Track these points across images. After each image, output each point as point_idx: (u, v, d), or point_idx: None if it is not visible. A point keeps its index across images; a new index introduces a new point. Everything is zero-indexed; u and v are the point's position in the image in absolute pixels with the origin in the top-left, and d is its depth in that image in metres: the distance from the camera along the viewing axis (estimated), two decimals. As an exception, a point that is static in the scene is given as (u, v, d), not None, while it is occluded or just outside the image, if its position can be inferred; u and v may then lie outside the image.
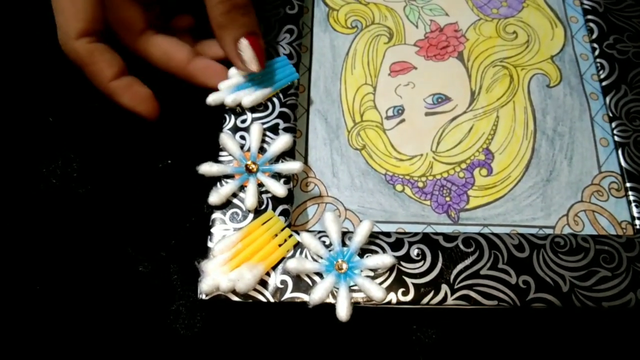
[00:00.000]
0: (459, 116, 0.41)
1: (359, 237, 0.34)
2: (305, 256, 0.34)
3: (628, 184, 0.37)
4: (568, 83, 0.42)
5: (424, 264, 0.34)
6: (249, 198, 0.35)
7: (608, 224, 0.37)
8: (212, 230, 0.35)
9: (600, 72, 0.41)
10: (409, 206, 0.38)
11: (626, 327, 0.35)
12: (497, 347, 0.35)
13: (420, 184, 0.39)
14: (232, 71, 0.39)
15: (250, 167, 0.36)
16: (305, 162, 0.39)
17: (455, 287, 0.34)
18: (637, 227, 0.36)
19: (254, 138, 0.37)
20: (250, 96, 0.38)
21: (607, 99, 0.40)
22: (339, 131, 0.41)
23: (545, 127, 0.41)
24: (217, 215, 0.35)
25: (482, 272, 0.34)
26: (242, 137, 0.38)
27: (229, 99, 0.38)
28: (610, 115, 0.40)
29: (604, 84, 0.41)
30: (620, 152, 0.38)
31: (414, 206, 0.38)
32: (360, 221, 0.37)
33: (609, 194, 0.38)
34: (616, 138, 0.39)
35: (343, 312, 0.32)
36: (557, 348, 0.35)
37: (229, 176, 0.36)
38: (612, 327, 0.35)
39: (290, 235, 0.35)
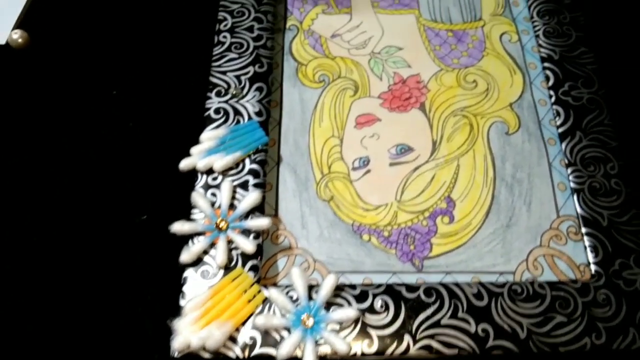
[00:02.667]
0: (422, 165, 0.43)
1: (325, 291, 0.36)
2: (274, 311, 0.36)
3: (583, 229, 0.39)
4: (527, 129, 0.44)
5: (387, 315, 0.36)
6: (219, 255, 0.37)
7: (567, 268, 0.39)
8: (184, 288, 0.37)
9: (557, 118, 0.43)
10: (375, 255, 0.40)
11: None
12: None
13: (386, 233, 0.41)
14: (204, 136, 0.41)
15: (220, 225, 0.38)
16: (276, 214, 0.41)
17: (418, 337, 0.35)
18: (592, 272, 0.38)
19: (224, 195, 0.39)
20: (220, 161, 0.40)
21: (563, 146, 0.42)
22: (308, 183, 0.42)
23: (505, 174, 0.42)
24: (188, 273, 0.37)
25: (443, 322, 0.35)
26: (214, 195, 0.40)
27: (201, 164, 0.40)
28: (566, 162, 0.42)
29: (560, 130, 0.43)
30: (575, 197, 0.40)
31: (380, 255, 0.40)
32: (329, 272, 0.39)
33: (567, 238, 0.40)
34: (572, 184, 0.41)
35: (309, 366, 0.34)
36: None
37: (201, 233, 0.38)
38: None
39: (259, 291, 0.36)
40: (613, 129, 0.42)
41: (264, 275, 0.39)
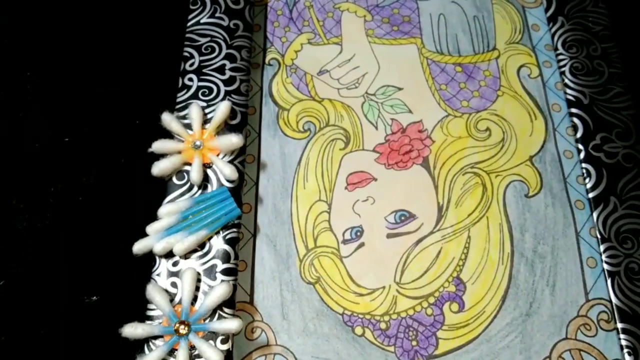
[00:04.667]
0: (426, 237, 0.36)
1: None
2: None
3: (619, 325, 0.33)
4: (550, 190, 0.37)
5: None
6: (179, 369, 0.30)
7: (598, 365, 0.33)
8: (140, 407, 0.30)
9: (587, 180, 0.36)
10: (369, 354, 0.33)
11: None
12: None
13: (383, 325, 0.34)
14: (162, 210, 0.34)
15: (180, 330, 0.31)
16: (251, 301, 0.35)
17: None
18: (631, 378, 0.31)
19: (185, 289, 0.32)
20: (182, 244, 0.33)
21: (595, 215, 0.35)
22: (290, 261, 0.36)
23: (524, 248, 0.36)
24: (144, 388, 0.31)
25: None
26: (174, 285, 0.33)
27: (158, 248, 0.33)
28: (598, 236, 0.35)
29: (590, 195, 0.36)
30: (609, 283, 0.34)
31: (376, 354, 0.33)
32: (315, 375, 0.32)
33: (597, 327, 0.34)
34: (605, 266, 0.34)
35: None
36: None
37: (159, 336, 0.31)
38: None
39: (227, 412, 0.30)
40: (654, 194, 0.36)
41: (237, 380, 0.32)
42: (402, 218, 0.37)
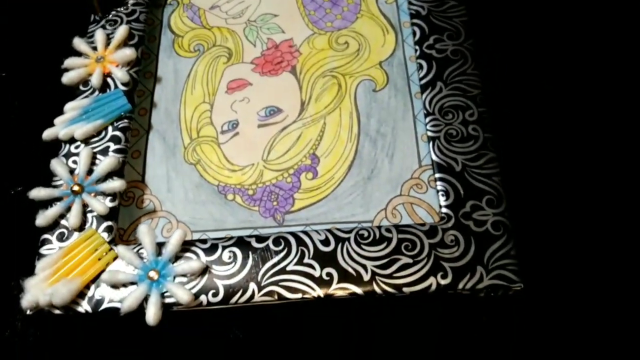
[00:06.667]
0: (289, 126, 0.43)
1: (171, 246, 0.36)
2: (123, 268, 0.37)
3: (437, 175, 0.40)
4: (394, 86, 0.45)
5: (234, 265, 0.36)
6: (72, 217, 0.38)
7: (426, 214, 0.39)
8: (40, 250, 0.37)
9: (419, 71, 0.44)
10: (237, 213, 0.40)
11: (431, 311, 0.37)
12: (306, 340, 0.37)
13: (250, 192, 0.41)
14: (67, 106, 0.42)
15: (75, 189, 0.39)
16: (142, 180, 0.42)
17: (262, 284, 0.36)
18: (442, 214, 0.38)
19: (81, 162, 0.40)
20: (81, 129, 0.41)
21: (424, 97, 0.43)
22: (176, 149, 0.43)
23: (369, 129, 0.43)
24: (45, 236, 0.38)
25: (289, 268, 0.36)
26: (75, 162, 0.40)
27: (62, 133, 0.41)
28: (424, 112, 0.42)
29: (422, 82, 0.43)
30: (431, 145, 0.41)
31: (243, 213, 0.40)
32: (192, 232, 0.39)
33: (427, 186, 0.41)
34: (429, 133, 0.41)
35: (150, 316, 0.34)
36: (364, 336, 0.37)
37: (59, 199, 0.39)
38: (417, 313, 0.37)
39: (111, 249, 0.37)
40: (476, 78, 0.43)
41: (127, 239, 0.39)
42: (271, 112, 0.44)
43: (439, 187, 0.39)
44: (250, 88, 0.45)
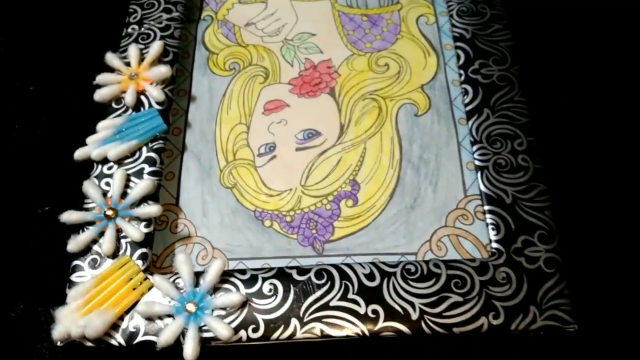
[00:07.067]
0: (328, 150, 0.42)
1: (210, 276, 0.35)
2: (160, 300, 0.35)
3: (486, 207, 0.38)
4: (437, 110, 0.43)
5: (275, 299, 0.35)
6: (106, 243, 0.36)
7: (472, 247, 0.38)
8: (71, 277, 0.36)
9: (465, 97, 0.42)
10: (275, 241, 0.39)
11: (483, 352, 0.36)
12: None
13: (288, 218, 0.40)
14: (100, 125, 0.41)
15: (108, 213, 0.37)
16: (177, 203, 0.40)
17: (305, 320, 0.34)
18: (493, 250, 0.36)
19: (115, 184, 0.38)
20: (115, 149, 0.39)
21: (470, 124, 0.41)
22: (212, 171, 0.42)
23: (411, 155, 0.41)
24: (76, 262, 0.36)
25: (332, 304, 0.34)
26: (108, 184, 0.39)
27: (95, 153, 0.39)
28: (471, 140, 0.41)
29: (467, 108, 0.42)
30: (479, 175, 0.39)
31: (281, 240, 0.39)
32: (228, 260, 0.38)
33: (474, 217, 0.39)
34: (477, 162, 0.40)
35: (189, 352, 0.32)
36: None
37: (92, 223, 0.37)
38: (468, 353, 0.36)
39: (146, 279, 0.35)
40: (524, 105, 0.41)
41: (161, 265, 0.38)
42: (310, 135, 0.43)
43: (488, 220, 0.38)
44: (288, 110, 0.44)
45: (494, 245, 0.37)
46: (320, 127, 0.43)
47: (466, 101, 0.42)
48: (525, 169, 0.39)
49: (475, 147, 0.40)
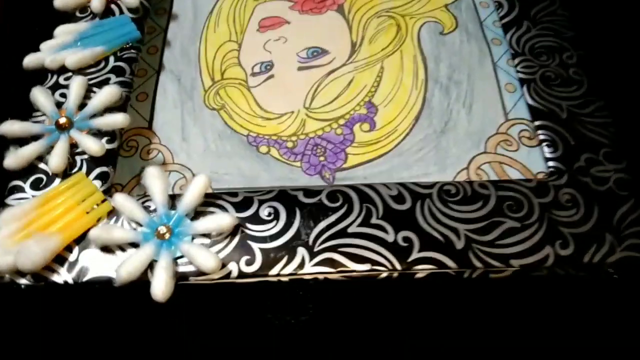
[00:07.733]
0: (338, 69, 0.35)
1: (191, 194, 0.26)
2: (122, 224, 0.26)
3: (537, 122, 0.31)
4: (465, 29, 0.36)
5: (276, 224, 0.26)
6: (54, 158, 0.28)
7: (521, 177, 0.30)
8: (7, 199, 0.27)
9: (499, 10, 0.36)
10: (274, 169, 0.31)
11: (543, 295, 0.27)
12: (376, 326, 0.27)
13: (290, 144, 0.32)
14: (58, 30, 0.33)
15: (62, 123, 0.29)
16: (149, 127, 0.32)
17: (316, 249, 0.26)
18: (551, 169, 0.29)
19: (73, 92, 0.30)
20: (75, 55, 0.31)
21: (508, 36, 0.34)
22: (194, 92, 0.34)
23: (439, 75, 0.34)
24: (16, 182, 0.28)
25: (351, 230, 0.26)
26: (64, 96, 0.31)
27: (49, 60, 0.31)
28: (512, 52, 0.34)
29: (503, 21, 0.35)
30: (525, 88, 0.32)
31: (281, 169, 0.31)
32: (213, 191, 0.30)
33: (519, 143, 0.31)
34: (520, 75, 0.33)
35: (158, 290, 0.24)
36: (455, 325, 0.27)
37: (39, 137, 0.29)
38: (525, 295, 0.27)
39: (104, 201, 0.27)
40: (567, 19, 0.35)
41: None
42: (314, 54, 0.35)
43: (541, 137, 0.30)
44: (287, 27, 0.37)
45: (551, 164, 0.29)
46: (326, 45, 0.36)
47: (501, 14, 0.35)
48: (579, 83, 0.32)
49: (517, 60, 0.33)
